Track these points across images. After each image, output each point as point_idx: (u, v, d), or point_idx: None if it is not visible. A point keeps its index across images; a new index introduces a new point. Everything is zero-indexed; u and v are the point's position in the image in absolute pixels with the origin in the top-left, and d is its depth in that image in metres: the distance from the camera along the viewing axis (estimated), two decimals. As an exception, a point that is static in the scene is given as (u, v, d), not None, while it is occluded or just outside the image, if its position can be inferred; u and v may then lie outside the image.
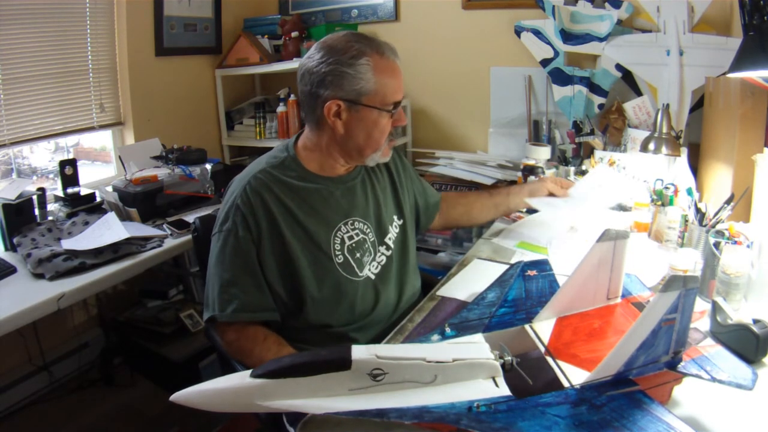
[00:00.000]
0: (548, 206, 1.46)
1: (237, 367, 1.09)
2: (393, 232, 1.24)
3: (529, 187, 1.50)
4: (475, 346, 0.82)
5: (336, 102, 1.06)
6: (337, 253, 1.13)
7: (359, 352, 0.72)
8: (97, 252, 1.56)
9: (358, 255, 1.16)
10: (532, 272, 1.12)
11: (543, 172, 1.90)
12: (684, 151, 1.71)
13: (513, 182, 2.13)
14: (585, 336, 0.90)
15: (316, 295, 1.10)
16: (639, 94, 2.07)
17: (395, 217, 1.27)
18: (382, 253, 1.21)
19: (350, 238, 1.15)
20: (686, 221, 1.37)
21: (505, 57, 2.38)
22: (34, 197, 1.74)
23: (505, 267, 1.21)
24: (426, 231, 1.47)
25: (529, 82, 2.32)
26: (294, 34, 2.57)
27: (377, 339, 1.14)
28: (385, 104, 1.08)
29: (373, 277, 1.17)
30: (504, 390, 0.75)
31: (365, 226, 1.19)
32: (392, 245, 1.23)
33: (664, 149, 1.66)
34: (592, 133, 2.11)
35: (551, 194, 1.48)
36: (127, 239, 1.61)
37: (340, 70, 1.04)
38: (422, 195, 1.40)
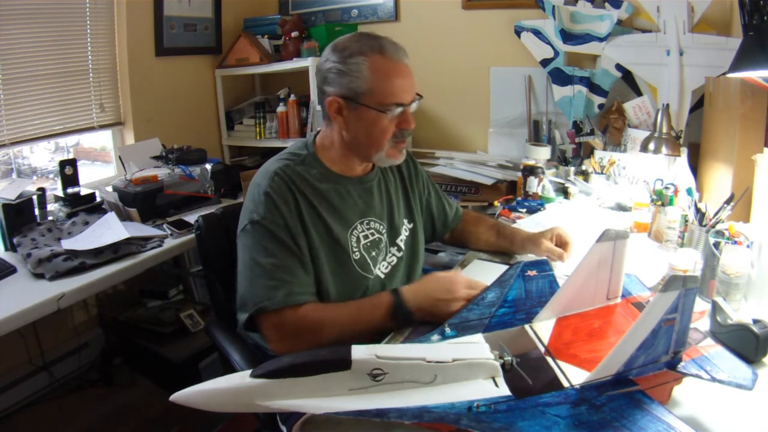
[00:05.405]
0: None
1: (237, 367, 1.09)
2: (404, 234, 1.26)
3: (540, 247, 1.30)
4: (475, 346, 0.82)
5: (336, 99, 1.08)
6: (354, 249, 1.15)
7: (359, 352, 0.73)
8: (97, 252, 1.56)
9: (373, 253, 1.18)
10: (531, 272, 1.12)
11: (543, 173, 1.90)
12: (684, 151, 1.72)
13: (513, 183, 2.13)
14: (585, 336, 0.90)
15: (331, 289, 1.11)
16: (639, 94, 2.07)
17: (405, 221, 1.28)
18: (393, 254, 1.23)
19: (365, 237, 1.17)
20: (686, 221, 1.37)
21: (505, 57, 2.38)
22: (34, 197, 1.74)
23: (505, 267, 1.21)
24: (440, 240, 1.48)
25: (529, 82, 2.32)
26: (294, 34, 2.56)
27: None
28: (383, 104, 1.07)
29: (382, 276, 1.19)
30: (504, 390, 0.75)
31: (380, 226, 1.21)
32: (403, 246, 1.25)
33: (664, 149, 1.67)
34: (592, 133, 2.11)
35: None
36: (127, 239, 1.61)
37: (338, 68, 1.07)
38: (438, 206, 1.41)
